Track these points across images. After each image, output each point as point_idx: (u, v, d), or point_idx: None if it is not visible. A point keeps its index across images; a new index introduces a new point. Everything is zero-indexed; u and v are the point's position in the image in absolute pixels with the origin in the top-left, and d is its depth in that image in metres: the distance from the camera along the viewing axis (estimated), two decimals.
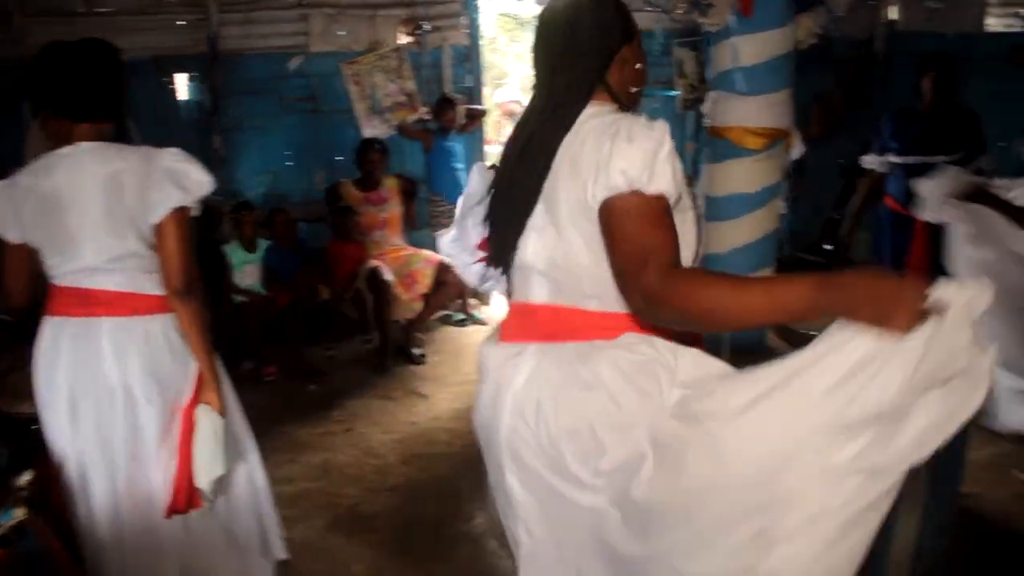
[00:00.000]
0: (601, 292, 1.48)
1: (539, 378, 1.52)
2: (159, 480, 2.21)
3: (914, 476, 1.27)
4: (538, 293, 1.57)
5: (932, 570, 2.45)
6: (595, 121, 1.47)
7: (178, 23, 5.51)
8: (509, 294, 1.65)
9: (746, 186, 2.71)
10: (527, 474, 1.55)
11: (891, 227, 4.20)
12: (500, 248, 1.62)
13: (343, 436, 4.03)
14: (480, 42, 6.18)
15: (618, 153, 1.37)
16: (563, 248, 1.49)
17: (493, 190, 1.65)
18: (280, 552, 2.60)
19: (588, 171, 1.41)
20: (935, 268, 3.96)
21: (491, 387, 1.61)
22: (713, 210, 2.78)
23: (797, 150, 2.93)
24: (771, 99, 2.62)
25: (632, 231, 1.37)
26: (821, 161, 7.83)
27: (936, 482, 2.31)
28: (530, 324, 1.59)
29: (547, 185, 1.50)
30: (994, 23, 7.16)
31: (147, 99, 5.12)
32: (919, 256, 4.03)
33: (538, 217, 1.53)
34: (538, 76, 1.57)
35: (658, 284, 1.31)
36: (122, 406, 2.18)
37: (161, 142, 2.22)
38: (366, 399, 4.40)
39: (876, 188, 4.31)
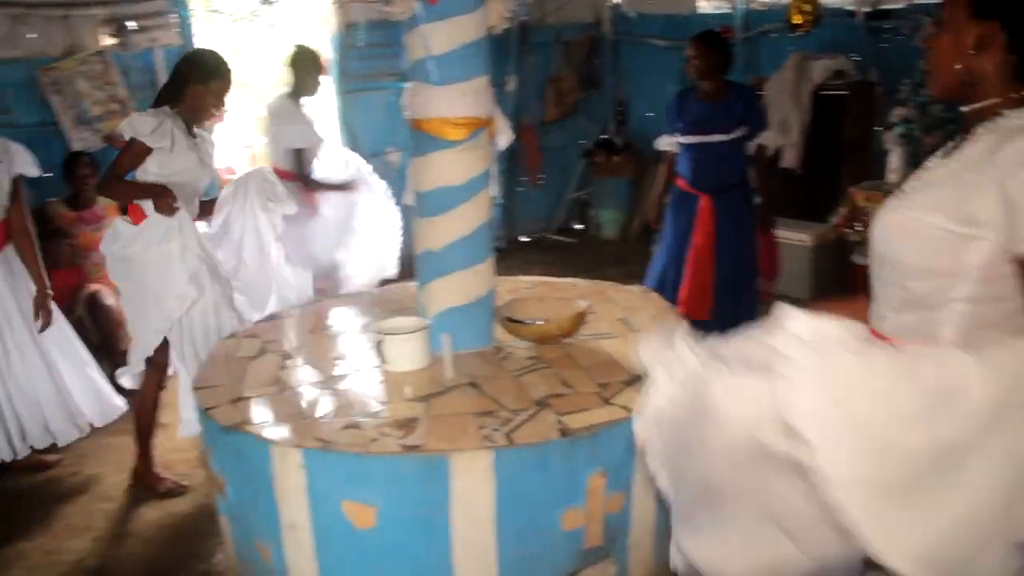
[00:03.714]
0: None
1: None
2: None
3: None
4: None
5: None
6: None
7: None
8: None
9: (452, 178, 2.63)
10: None
11: (677, 205, 4.35)
12: None
13: (69, 481, 3.66)
14: (195, 42, 5.76)
15: None
16: None
17: None
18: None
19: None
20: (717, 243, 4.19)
21: None
22: (423, 206, 2.69)
23: (504, 138, 2.91)
24: (465, 87, 2.56)
25: None
26: (560, 144, 8.08)
27: None
28: None
29: None
30: (704, 5, 7.70)
31: None
32: (704, 232, 4.20)
33: None
34: None
35: None
36: None
37: None
38: (95, 436, 4.01)
39: (672, 168, 4.44)
